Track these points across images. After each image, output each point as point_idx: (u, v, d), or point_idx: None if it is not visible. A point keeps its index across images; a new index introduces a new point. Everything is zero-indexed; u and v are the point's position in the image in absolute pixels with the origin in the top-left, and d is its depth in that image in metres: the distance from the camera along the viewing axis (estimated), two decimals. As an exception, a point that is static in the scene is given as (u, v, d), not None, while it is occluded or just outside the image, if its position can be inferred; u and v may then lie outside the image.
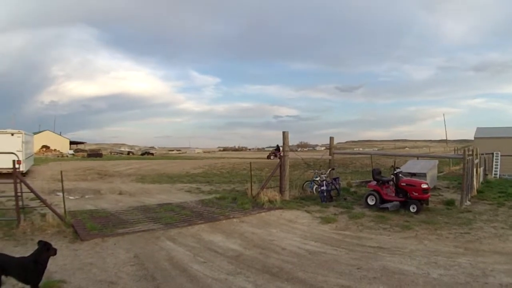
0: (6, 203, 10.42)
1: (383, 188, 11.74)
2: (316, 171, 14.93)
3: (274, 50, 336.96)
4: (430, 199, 11.86)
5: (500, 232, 8.64)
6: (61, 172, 10.50)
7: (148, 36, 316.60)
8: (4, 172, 16.87)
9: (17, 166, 8.43)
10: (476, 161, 15.58)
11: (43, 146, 63.18)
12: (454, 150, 44.68)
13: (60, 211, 8.80)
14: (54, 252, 4.94)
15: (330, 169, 15.03)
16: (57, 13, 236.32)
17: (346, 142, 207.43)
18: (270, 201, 11.82)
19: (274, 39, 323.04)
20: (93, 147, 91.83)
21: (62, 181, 9.80)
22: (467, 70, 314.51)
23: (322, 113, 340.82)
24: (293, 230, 9.07)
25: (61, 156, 53.42)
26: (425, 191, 11.15)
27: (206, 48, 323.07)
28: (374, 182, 12.08)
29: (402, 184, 11.41)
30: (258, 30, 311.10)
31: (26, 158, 20.92)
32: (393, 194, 11.55)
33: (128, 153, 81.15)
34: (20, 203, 8.36)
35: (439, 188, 15.93)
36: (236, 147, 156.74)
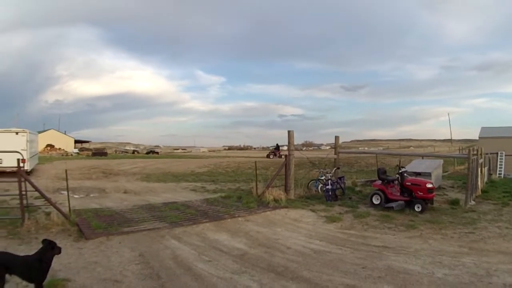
0: (10, 201, 10.44)
1: (388, 188, 11.71)
2: (321, 170, 14.90)
3: (279, 49, 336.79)
4: (435, 198, 11.82)
5: (504, 232, 8.61)
6: (66, 170, 10.50)
7: (153, 36, 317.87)
8: (8, 170, 16.98)
9: (21, 165, 8.45)
10: (480, 160, 15.51)
11: (48, 145, 63.46)
12: (459, 149, 44.54)
13: (65, 209, 8.80)
14: (58, 250, 4.93)
15: (335, 168, 15.00)
16: (60, 13, 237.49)
17: (351, 141, 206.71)
18: (275, 200, 11.81)
19: (279, 38, 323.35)
20: (98, 146, 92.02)
21: (67, 179, 9.80)
22: (470, 69, 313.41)
23: (327, 112, 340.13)
24: (298, 229, 9.06)
25: (65, 155, 53.62)
26: (430, 190, 11.11)
27: (211, 47, 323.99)
28: (379, 182, 12.05)
29: (407, 183, 11.38)
30: (263, 30, 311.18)
31: (30, 157, 21.01)
32: (398, 194, 11.52)
33: (133, 152, 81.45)
34: (24, 201, 8.37)
35: (444, 188, 15.87)
36: (241, 146, 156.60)
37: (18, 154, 9.40)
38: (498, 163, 23.15)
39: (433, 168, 15.36)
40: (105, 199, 13.42)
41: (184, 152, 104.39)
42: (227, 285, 5.43)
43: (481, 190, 14.68)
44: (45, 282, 4.73)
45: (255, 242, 7.86)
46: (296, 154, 13.89)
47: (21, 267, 4.59)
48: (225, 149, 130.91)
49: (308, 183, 14.69)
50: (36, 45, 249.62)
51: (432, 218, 9.95)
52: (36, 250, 4.85)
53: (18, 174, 8.31)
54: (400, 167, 12.07)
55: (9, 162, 16.42)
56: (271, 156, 49.90)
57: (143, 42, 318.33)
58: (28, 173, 18.67)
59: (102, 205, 11.65)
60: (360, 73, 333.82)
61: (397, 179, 11.67)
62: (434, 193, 11.59)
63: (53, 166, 28.06)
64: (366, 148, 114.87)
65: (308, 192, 14.10)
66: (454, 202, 12.05)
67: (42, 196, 8.64)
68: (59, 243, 5.29)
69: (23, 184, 8.32)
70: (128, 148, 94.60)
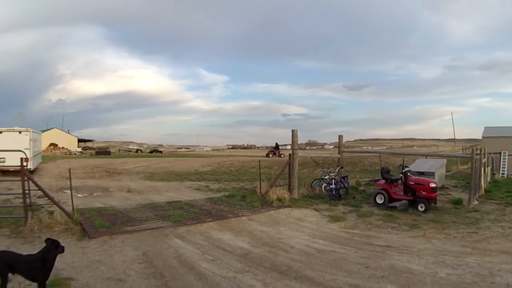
0: (13, 200, 10.49)
1: (391, 187, 11.68)
2: (325, 169, 14.91)
3: (282, 48, 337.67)
4: (438, 198, 11.80)
5: (507, 232, 8.60)
6: (69, 169, 10.53)
7: (156, 35, 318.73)
8: (12, 169, 17.05)
9: (24, 164, 8.45)
10: (484, 160, 15.45)
11: (51, 144, 63.44)
12: (462, 149, 44.44)
13: (68, 208, 8.83)
14: (62, 249, 4.92)
15: (339, 168, 15.00)
16: (63, 12, 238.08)
17: (355, 140, 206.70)
18: (279, 199, 11.82)
19: (282, 37, 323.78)
20: (102, 145, 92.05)
21: (70, 178, 9.82)
22: (473, 69, 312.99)
23: (331, 111, 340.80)
24: (301, 229, 9.06)
25: (69, 154, 53.67)
26: (434, 190, 11.10)
27: (214, 46, 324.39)
28: (383, 181, 12.03)
29: (411, 183, 11.36)
30: (266, 29, 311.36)
31: (33, 156, 21.05)
32: (402, 193, 11.49)
33: (137, 151, 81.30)
34: (27, 200, 8.38)
35: (447, 187, 15.83)
36: (245, 145, 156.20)
37: (21, 153, 9.43)
38: (501, 162, 23.04)
39: (437, 167, 15.33)
40: (108, 198, 13.45)
41: (188, 151, 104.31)
42: (230, 284, 5.43)
43: (484, 190, 14.65)
44: (48, 281, 4.73)
45: (259, 241, 7.87)
46: (300, 153, 13.88)
47: (24, 266, 4.59)
48: (228, 148, 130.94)
49: (312, 183, 14.69)
50: (39, 44, 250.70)
51: (435, 218, 9.93)
52: (39, 249, 4.85)
53: (21, 173, 8.33)
54: (403, 167, 12.06)
55: (12, 161, 16.54)
56: (270, 155, 49.77)
57: (146, 41, 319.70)
58: (31, 172, 18.77)
59: (105, 204, 11.68)
60: (363, 72, 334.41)
61: (401, 178, 11.64)
62: (437, 193, 11.59)
63: (56, 165, 28.10)
64: (369, 148, 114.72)
65: (312, 192, 14.08)
66: (457, 202, 12.01)
67: (45, 195, 8.65)
68: (62, 242, 5.30)
69: (26, 183, 8.32)
70: (131, 147, 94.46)
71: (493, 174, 19.98)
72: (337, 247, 7.50)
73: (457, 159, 26.99)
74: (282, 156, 46.96)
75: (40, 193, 8.83)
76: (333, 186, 12.84)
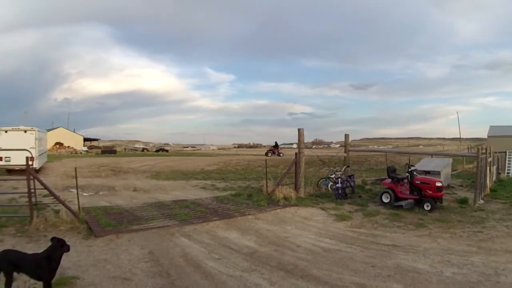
0: (19, 199, 10.54)
1: (397, 186, 11.65)
2: (331, 168, 14.88)
3: (288, 47, 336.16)
4: (444, 197, 11.75)
5: (512, 231, 8.55)
6: (75, 168, 10.57)
7: (163, 34, 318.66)
8: (17, 168, 17.14)
9: (30, 162, 8.49)
10: (489, 159, 15.37)
11: (57, 143, 63.78)
12: (468, 148, 44.16)
13: (74, 207, 8.85)
14: (67, 248, 4.93)
15: (345, 167, 14.98)
16: (69, 11, 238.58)
17: (361, 139, 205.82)
18: (285, 198, 11.82)
19: (288, 36, 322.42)
20: (107, 144, 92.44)
21: (76, 177, 9.84)
22: (479, 68, 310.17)
23: (337, 110, 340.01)
24: (308, 227, 9.06)
25: (74, 153, 53.91)
26: (439, 189, 11.06)
27: (221, 45, 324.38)
28: (389, 180, 12.00)
29: (417, 182, 11.32)
30: (273, 28, 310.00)
31: (39, 155, 21.11)
32: (408, 192, 11.45)
33: (143, 149, 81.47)
34: (33, 199, 8.40)
35: (452, 187, 15.74)
36: (251, 144, 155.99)
37: (27, 152, 9.46)
38: (507, 162, 22.93)
39: (442, 166, 15.25)
40: (114, 197, 13.49)
41: (194, 150, 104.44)
42: (237, 283, 5.43)
43: (490, 189, 14.58)
44: (53, 280, 4.74)
45: (265, 240, 7.87)
46: (306, 152, 13.86)
47: (29, 265, 4.60)
48: (234, 147, 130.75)
49: (318, 181, 14.66)
50: (45, 43, 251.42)
51: (441, 217, 9.89)
52: (45, 248, 4.87)
53: (27, 172, 8.36)
54: (409, 166, 12.02)
55: (18, 160, 16.63)
56: (269, 154, 49.09)
57: (153, 40, 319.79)
58: (37, 171, 18.87)
59: (111, 203, 11.72)
60: (370, 71, 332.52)
61: (407, 177, 11.60)
62: (443, 192, 11.54)
63: (62, 164, 28.19)
64: (375, 147, 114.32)
65: (318, 190, 14.07)
66: (463, 201, 11.96)
67: (51, 194, 8.68)
68: (68, 241, 5.33)
69: (31, 182, 8.36)
70: (137, 146, 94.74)
71: (498, 173, 19.85)
72: (343, 246, 7.49)
73: (463, 158, 26.86)
74: (281, 155, 46.56)
75: (45, 192, 8.86)
76: (339, 185, 12.84)
